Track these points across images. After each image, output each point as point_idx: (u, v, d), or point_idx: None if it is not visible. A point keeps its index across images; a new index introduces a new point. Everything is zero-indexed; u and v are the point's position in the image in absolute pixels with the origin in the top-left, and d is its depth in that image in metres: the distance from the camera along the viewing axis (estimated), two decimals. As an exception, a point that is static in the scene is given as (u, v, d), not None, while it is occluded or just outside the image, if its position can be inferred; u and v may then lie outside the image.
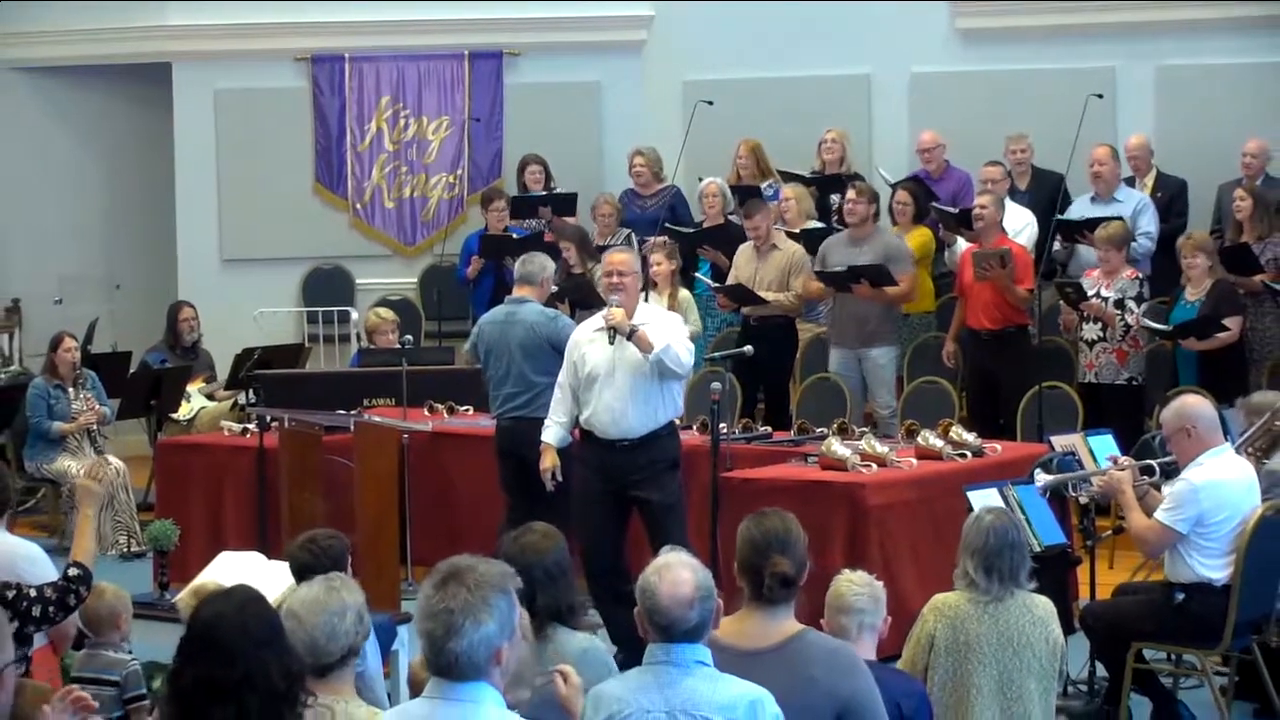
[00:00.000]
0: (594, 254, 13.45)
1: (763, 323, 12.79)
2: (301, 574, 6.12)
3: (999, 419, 12.27)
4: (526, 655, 5.27)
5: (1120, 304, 12.02)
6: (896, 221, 13.48)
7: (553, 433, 9.76)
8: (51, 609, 6.59)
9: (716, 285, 13.05)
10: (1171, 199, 13.52)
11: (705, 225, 13.93)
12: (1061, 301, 12.54)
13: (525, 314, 10.30)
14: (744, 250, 13.05)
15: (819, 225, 13.58)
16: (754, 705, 4.90)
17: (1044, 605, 6.80)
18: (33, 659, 6.65)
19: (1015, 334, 12.50)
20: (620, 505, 9.56)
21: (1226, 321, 11.90)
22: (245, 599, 4.73)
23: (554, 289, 12.00)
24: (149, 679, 7.12)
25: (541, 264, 10.56)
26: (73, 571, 6.67)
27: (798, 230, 13.34)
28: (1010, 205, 13.16)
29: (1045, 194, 13.57)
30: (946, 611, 6.72)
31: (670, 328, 9.49)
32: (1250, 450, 9.06)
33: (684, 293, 12.69)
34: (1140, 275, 12.26)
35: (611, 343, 9.46)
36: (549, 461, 9.75)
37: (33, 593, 6.52)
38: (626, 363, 9.36)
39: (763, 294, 12.67)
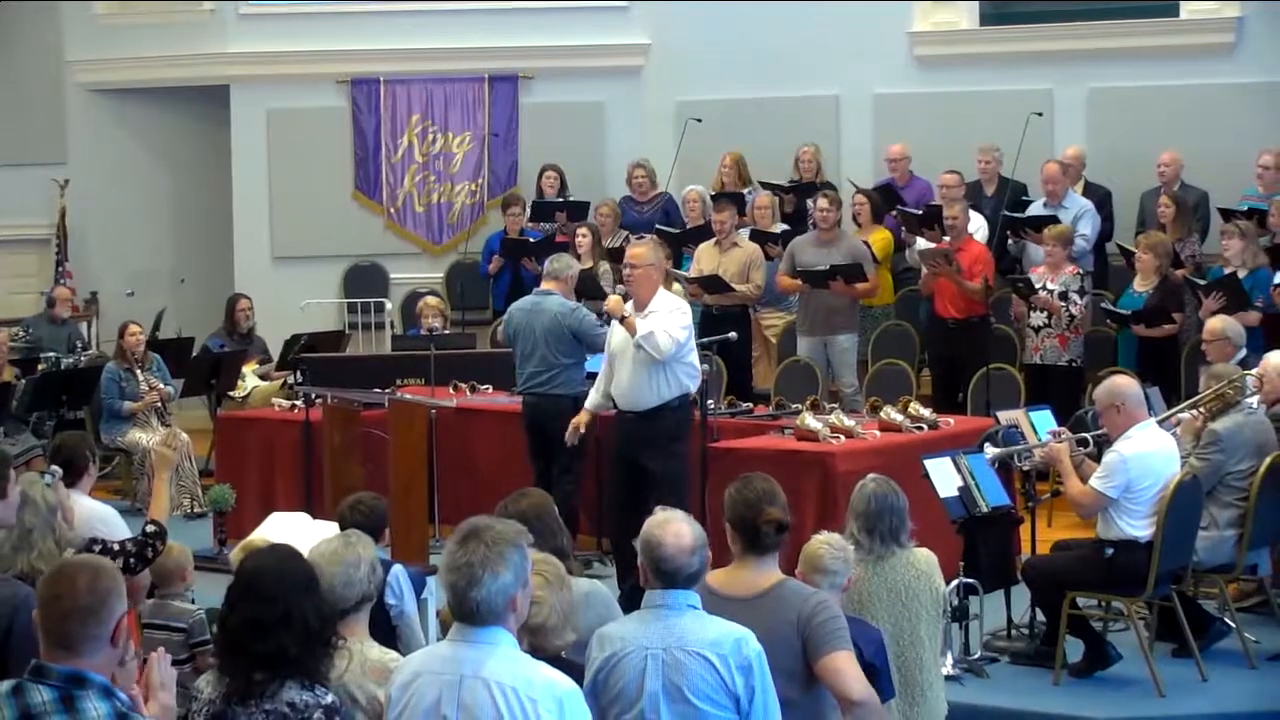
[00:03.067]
0: (604, 253, 13.49)
1: (723, 311, 12.79)
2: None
3: (960, 395, 12.25)
4: (574, 602, 5.28)
5: (1064, 296, 12.00)
6: (858, 223, 13.47)
7: (591, 399, 9.92)
8: (133, 560, 6.60)
9: (690, 276, 13.03)
10: (1099, 205, 13.49)
11: (689, 227, 13.92)
12: (1013, 294, 12.51)
13: (550, 304, 10.32)
14: (705, 248, 13.07)
15: (787, 227, 13.59)
16: (738, 642, 4.90)
17: (925, 559, 6.74)
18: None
19: (978, 322, 12.45)
20: (632, 469, 9.56)
21: (1173, 315, 11.88)
22: (285, 553, 4.79)
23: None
24: (209, 625, 7.11)
25: (567, 263, 10.65)
26: (150, 529, 6.67)
27: (777, 230, 13.40)
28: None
29: (1010, 199, 13.53)
30: None
31: (666, 317, 9.43)
32: (1201, 409, 9.05)
33: (676, 285, 12.66)
34: (1081, 271, 12.26)
35: (605, 325, 9.57)
36: (580, 419, 9.90)
37: (116, 547, 6.53)
38: (634, 344, 9.43)
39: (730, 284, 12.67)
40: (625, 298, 9.79)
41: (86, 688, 4.01)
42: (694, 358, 9.62)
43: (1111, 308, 12.07)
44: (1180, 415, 9.14)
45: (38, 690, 4.02)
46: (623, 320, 9.47)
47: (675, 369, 9.48)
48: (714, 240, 13.01)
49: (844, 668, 5.24)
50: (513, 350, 10.49)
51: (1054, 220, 12.60)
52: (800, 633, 5.24)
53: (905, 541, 6.72)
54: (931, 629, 6.68)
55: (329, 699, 4.48)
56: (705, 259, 12.96)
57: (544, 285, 10.51)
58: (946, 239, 12.57)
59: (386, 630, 6.38)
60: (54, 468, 7.04)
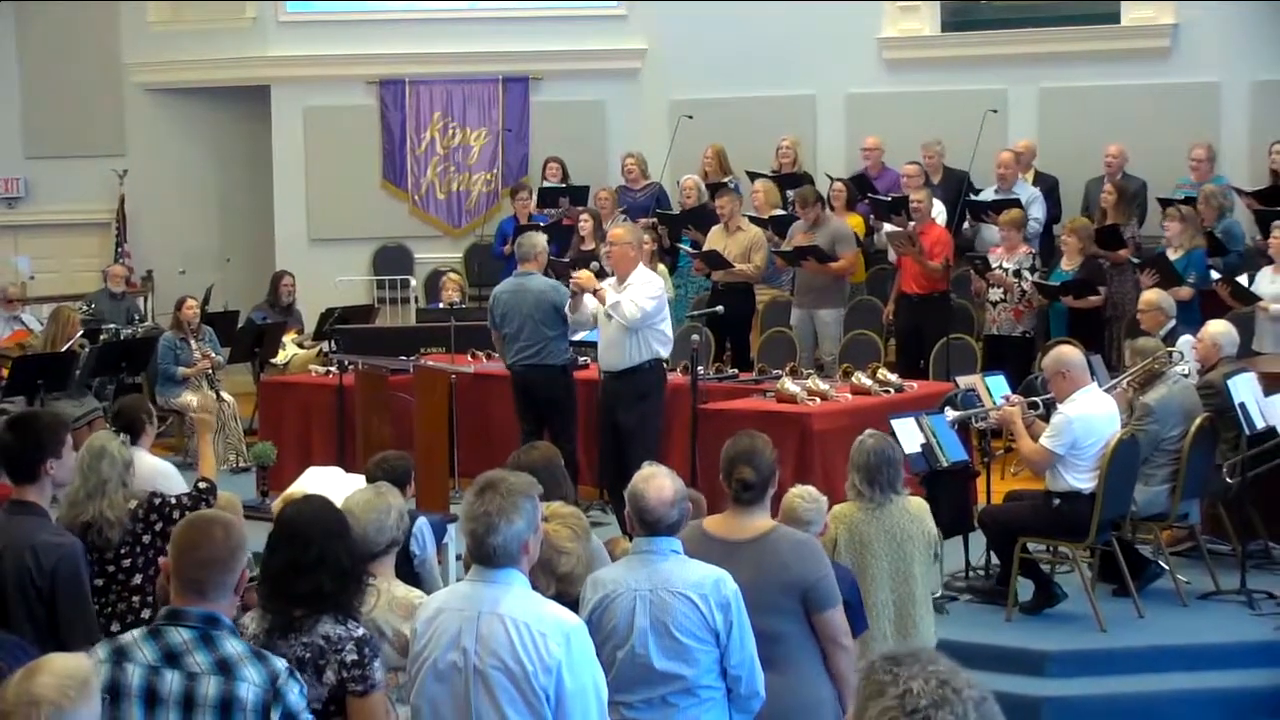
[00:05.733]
0: (603, 236, 13.48)
1: (728, 287, 12.75)
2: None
3: (922, 363, 12.24)
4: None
5: (1018, 274, 11.99)
6: (833, 209, 13.46)
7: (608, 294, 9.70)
8: (186, 513, 6.60)
9: (695, 252, 13.04)
10: (1047, 192, 13.47)
11: (685, 209, 13.90)
12: (971, 271, 12.51)
13: (533, 284, 10.26)
14: (715, 230, 13.03)
15: (783, 213, 13.57)
16: (717, 583, 4.91)
17: (918, 505, 6.77)
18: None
19: (938, 298, 12.45)
20: (611, 423, 9.68)
21: (1098, 289, 11.88)
22: (320, 501, 4.81)
23: (566, 260, 12.02)
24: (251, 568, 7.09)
25: (534, 242, 10.55)
26: (202, 485, 6.69)
27: (766, 216, 13.39)
28: (927, 197, 13.20)
29: (953, 187, 13.54)
30: (843, 519, 6.66)
31: (636, 289, 9.58)
32: (1130, 384, 9.05)
33: (661, 266, 12.71)
34: (1033, 251, 12.27)
35: (573, 296, 9.83)
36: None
37: (173, 500, 6.55)
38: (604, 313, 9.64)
39: (732, 263, 12.66)
40: (599, 274, 10.04)
41: (220, 628, 3.97)
42: (665, 326, 9.74)
43: (1042, 281, 12.08)
44: (1119, 385, 9.14)
45: (177, 631, 3.95)
46: (594, 292, 9.63)
47: (646, 335, 9.61)
48: (722, 224, 13.01)
49: (837, 621, 5.33)
50: (498, 328, 10.42)
51: (1014, 204, 12.59)
52: (801, 585, 5.24)
53: (901, 490, 6.73)
54: (924, 567, 6.72)
55: (360, 632, 4.48)
56: (714, 240, 12.95)
57: (521, 267, 10.39)
58: (912, 223, 12.56)
59: (409, 575, 6.39)
60: (123, 434, 7.06)
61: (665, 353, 9.77)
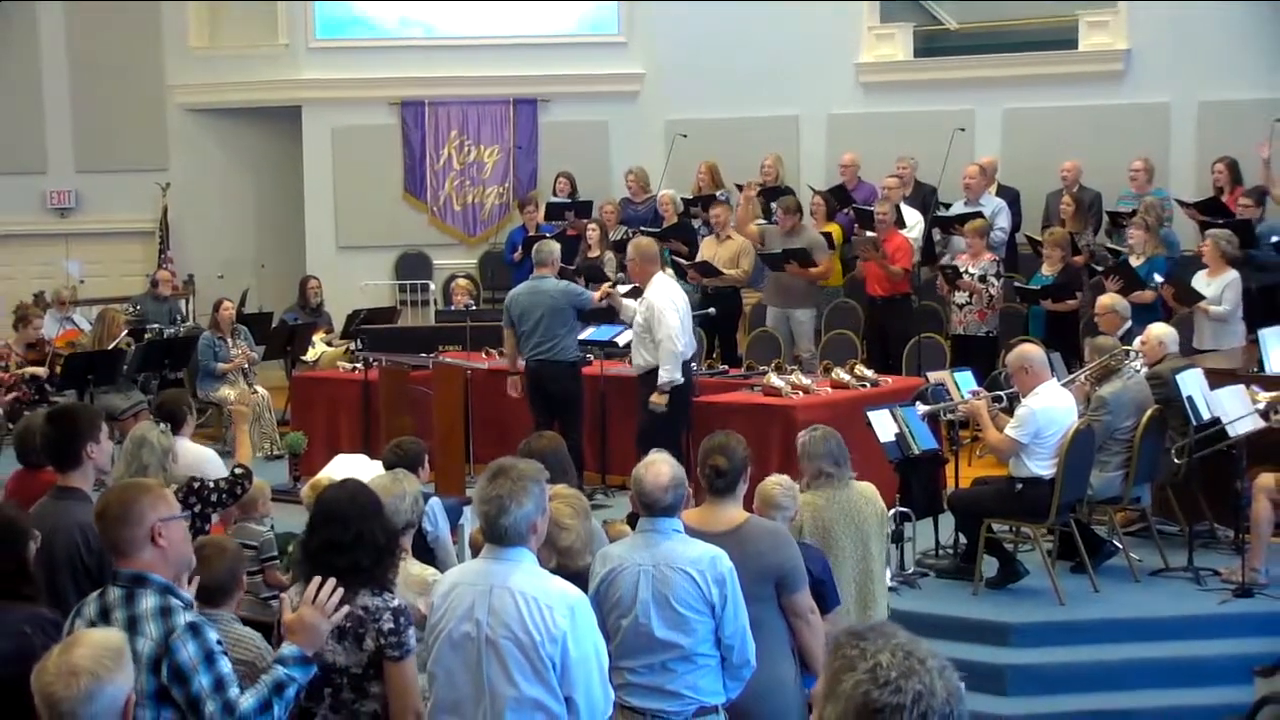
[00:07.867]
0: (609, 244, 13.48)
1: (717, 291, 12.75)
2: (391, 469, 6.09)
3: (889, 360, 12.23)
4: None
5: (983, 279, 11.98)
6: (814, 218, 13.44)
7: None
8: (225, 496, 6.64)
9: (689, 263, 13.01)
10: (1010, 204, 13.45)
11: (665, 224, 13.90)
12: (940, 277, 12.49)
13: (548, 286, 10.28)
14: (707, 240, 13.08)
15: (765, 223, 13.55)
16: (714, 560, 4.92)
17: (869, 488, 6.76)
18: (210, 530, 6.66)
19: (900, 300, 12.46)
20: (641, 417, 9.72)
21: (1075, 293, 11.86)
22: (355, 485, 4.79)
23: (573, 268, 11.98)
24: (286, 544, 7.10)
25: (550, 249, 10.59)
26: (238, 470, 6.70)
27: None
28: (906, 208, 13.18)
29: (921, 199, 13.53)
30: (806, 505, 6.64)
31: (643, 302, 9.65)
32: (1087, 378, 9.05)
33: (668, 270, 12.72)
34: (997, 258, 12.24)
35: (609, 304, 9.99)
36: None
37: (211, 484, 6.55)
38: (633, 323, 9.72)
39: (721, 269, 12.66)
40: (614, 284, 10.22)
41: (146, 586, 3.98)
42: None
43: (1023, 285, 12.06)
44: (1077, 379, 9.14)
45: (112, 590, 4.02)
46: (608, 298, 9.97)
47: (658, 343, 9.57)
48: (713, 233, 13.00)
49: (806, 600, 5.37)
50: (514, 327, 10.41)
51: (978, 216, 12.58)
52: (775, 572, 5.26)
53: (849, 474, 6.72)
54: (880, 542, 6.70)
55: (395, 602, 4.46)
56: (706, 248, 12.96)
57: (538, 271, 10.42)
58: (871, 232, 12.59)
59: (425, 552, 6.39)
60: (163, 425, 7.07)
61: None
